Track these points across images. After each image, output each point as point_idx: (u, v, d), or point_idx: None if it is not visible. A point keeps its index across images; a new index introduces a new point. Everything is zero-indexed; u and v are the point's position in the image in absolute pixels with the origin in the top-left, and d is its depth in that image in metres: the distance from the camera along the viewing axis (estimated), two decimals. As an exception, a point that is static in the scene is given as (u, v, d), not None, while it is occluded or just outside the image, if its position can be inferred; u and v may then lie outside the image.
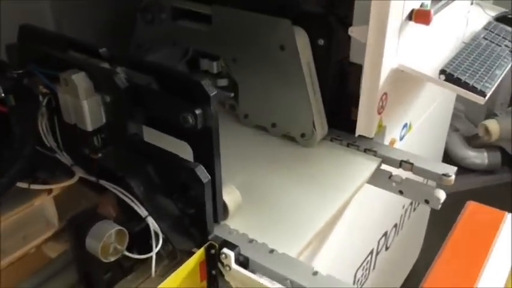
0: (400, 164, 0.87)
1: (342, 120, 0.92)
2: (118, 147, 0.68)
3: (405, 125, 1.05)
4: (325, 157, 0.90)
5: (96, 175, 0.68)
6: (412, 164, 0.86)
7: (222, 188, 0.68)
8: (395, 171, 0.88)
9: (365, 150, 0.90)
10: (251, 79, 0.92)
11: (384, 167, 0.89)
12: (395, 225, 1.26)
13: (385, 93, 0.86)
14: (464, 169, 2.33)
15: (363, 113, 0.85)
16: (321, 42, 0.85)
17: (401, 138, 1.05)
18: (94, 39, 1.08)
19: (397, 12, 0.78)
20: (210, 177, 0.62)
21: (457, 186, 2.17)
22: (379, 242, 1.17)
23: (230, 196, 0.71)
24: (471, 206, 0.80)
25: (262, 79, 0.90)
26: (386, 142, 0.97)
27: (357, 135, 0.88)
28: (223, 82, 0.99)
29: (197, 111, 0.59)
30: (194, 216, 0.65)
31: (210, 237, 0.66)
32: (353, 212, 0.91)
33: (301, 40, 0.84)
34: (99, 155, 0.70)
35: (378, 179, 0.88)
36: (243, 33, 0.88)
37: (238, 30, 0.89)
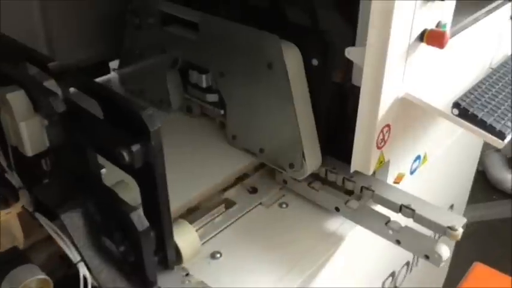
0: (400, 208, 0.75)
1: (340, 149, 0.81)
2: (60, 177, 0.60)
3: (418, 158, 0.92)
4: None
5: (34, 205, 0.61)
6: (413, 210, 0.73)
7: (172, 230, 0.59)
8: (394, 215, 0.76)
9: (362, 189, 0.79)
10: (239, 97, 0.82)
11: (382, 209, 0.77)
12: (407, 264, 1.13)
13: (388, 125, 0.74)
14: (502, 194, 2.13)
15: (358, 148, 0.74)
16: (315, 62, 0.73)
17: (412, 172, 0.92)
18: (83, 39, 1.02)
19: (403, 32, 0.66)
20: (148, 224, 0.53)
21: (492, 213, 1.99)
22: (384, 283, 1.05)
23: (185, 238, 0.62)
24: (478, 268, 0.67)
25: (250, 98, 0.80)
26: (391, 178, 0.85)
27: (352, 171, 0.76)
28: (212, 97, 0.89)
29: (134, 148, 0.50)
30: (135, 264, 0.57)
31: (152, 289, 0.57)
32: (347, 254, 0.79)
33: (292, 59, 0.73)
34: (46, 180, 0.63)
35: (374, 223, 0.76)
36: (230, 46, 0.78)
37: (225, 41, 0.79)
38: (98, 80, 1.05)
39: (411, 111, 0.77)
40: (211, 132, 0.93)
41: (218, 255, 0.74)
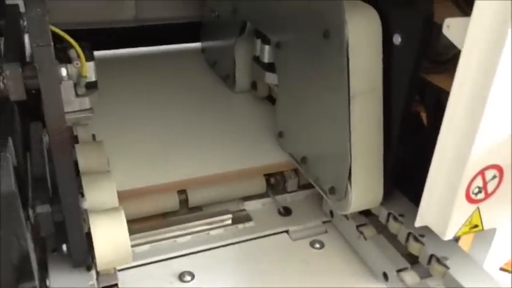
0: (481, 312, 0.43)
1: (417, 186, 0.51)
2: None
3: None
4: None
5: None
6: (503, 323, 0.41)
7: (82, 216, 0.41)
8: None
9: (431, 259, 0.49)
10: (291, 79, 0.60)
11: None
12: None
13: (496, 167, 0.43)
14: None
15: (432, 193, 0.45)
16: (397, 39, 0.47)
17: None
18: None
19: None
20: (13, 189, 0.35)
21: None
22: None
23: (107, 232, 0.42)
24: None
25: (303, 82, 0.57)
26: (496, 259, 0.52)
27: (417, 225, 0.47)
28: (271, 78, 0.68)
29: (7, 68, 0.33)
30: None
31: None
32: None
33: (360, 26, 0.47)
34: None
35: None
36: (290, 4, 0.56)
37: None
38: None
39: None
40: (267, 121, 0.71)
41: (188, 278, 0.53)
